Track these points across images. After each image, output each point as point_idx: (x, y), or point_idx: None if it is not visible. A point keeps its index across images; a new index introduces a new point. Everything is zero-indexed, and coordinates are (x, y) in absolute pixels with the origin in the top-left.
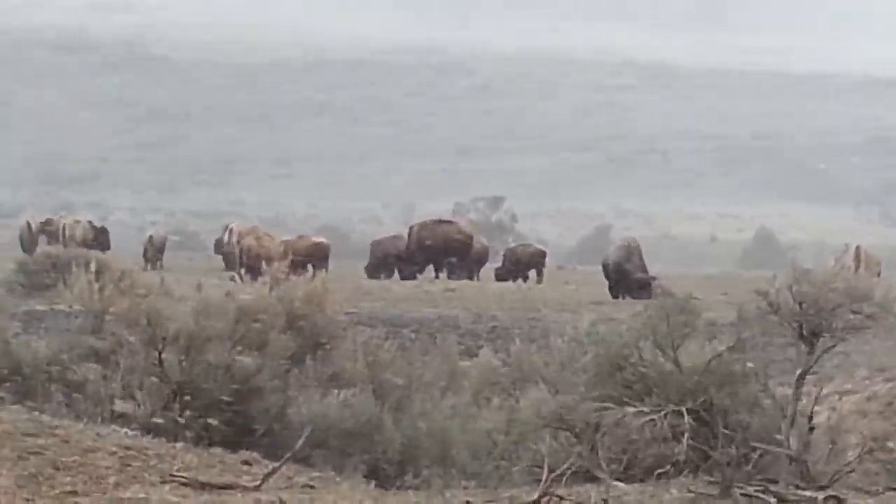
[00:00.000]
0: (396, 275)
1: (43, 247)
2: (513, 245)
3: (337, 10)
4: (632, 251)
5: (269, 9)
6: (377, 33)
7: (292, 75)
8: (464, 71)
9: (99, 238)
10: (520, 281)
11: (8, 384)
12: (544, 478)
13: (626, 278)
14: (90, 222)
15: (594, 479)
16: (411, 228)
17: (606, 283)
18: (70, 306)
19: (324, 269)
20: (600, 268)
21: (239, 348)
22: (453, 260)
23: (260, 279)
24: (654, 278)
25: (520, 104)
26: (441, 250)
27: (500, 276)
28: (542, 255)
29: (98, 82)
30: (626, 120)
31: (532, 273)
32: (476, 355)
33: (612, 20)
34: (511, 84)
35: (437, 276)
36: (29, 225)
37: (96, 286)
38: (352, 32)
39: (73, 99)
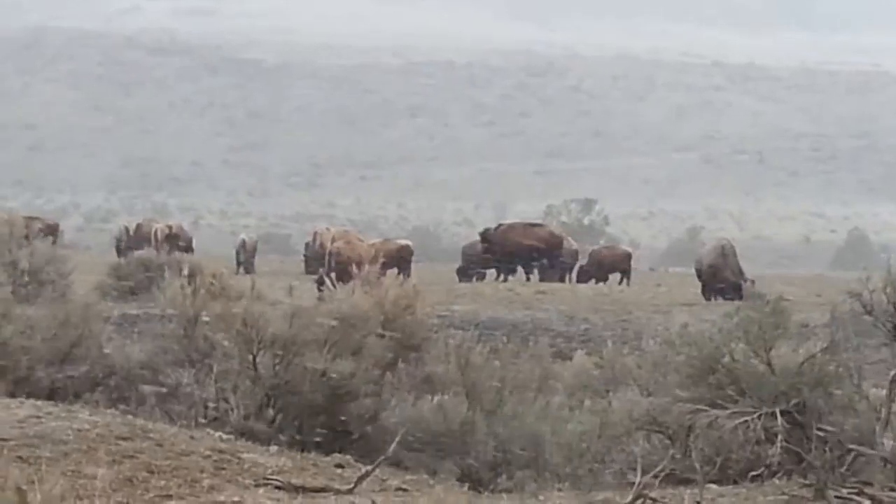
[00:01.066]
0: (488, 277)
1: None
2: (597, 247)
3: (428, 13)
4: (726, 252)
5: (360, 12)
6: (469, 35)
7: (384, 78)
8: (556, 73)
9: (184, 241)
10: (612, 283)
11: (102, 388)
12: (637, 480)
13: (720, 280)
14: (170, 226)
15: (688, 482)
16: (498, 226)
17: (698, 284)
18: (163, 310)
19: (407, 273)
20: (692, 269)
21: (333, 352)
22: (544, 262)
23: (350, 283)
24: (746, 280)
25: (612, 106)
26: (529, 252)
27: (583, 277)
28: (627, 257)
29: (191, 87)
30: (718, 121)
31: (616, 275)
32: (569, 358)
33: (701, 21)
34: (603, 86)
35: (528, 279)
36: (126, 229)
37: (189, 290)
38: (444, 35)
39: (166, 103)
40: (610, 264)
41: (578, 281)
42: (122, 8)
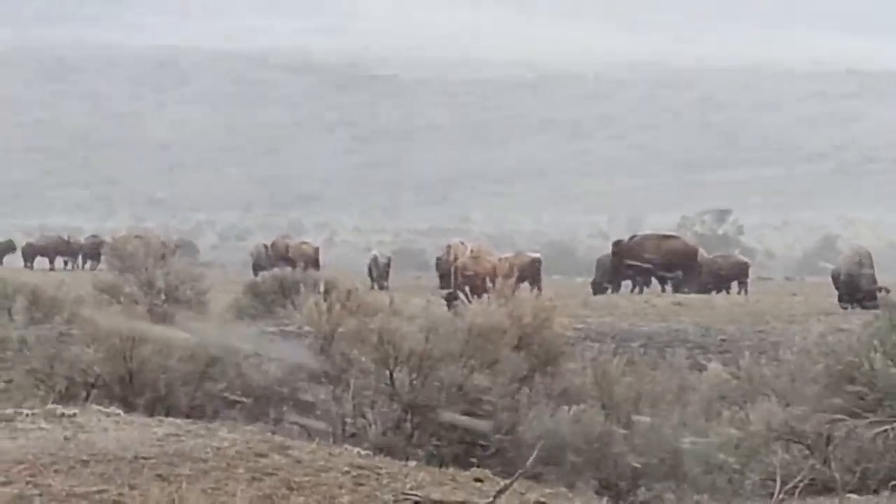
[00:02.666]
0: (624, 290)
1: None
2: (713, 256)
3: (558, 27)
4: (863, 261)
5: (490, 27)
6: (598, 49)
7: (515, 92)
8: (685, 83)
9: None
10: (747, 294)
11: (240, 405)
12: (777, 491)
13: (856, 289)
14: (305, 243)
15: (827, 492)
16: (631, 238)
17: (834, 293)
18: (299, 327)
19: (538, 286)
20: (827, 278)
21: (470, 366)
22: (679, 274)
23: (485, 297)
24: (881, 288)
25: (742, 116)
26: (665, 264)
27: (702, 288)
28: (745, 266)
29: (322, 104)
30: (852, 129)
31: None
32: (705, 369)
33: (834, 28)
34: (733, 96)
35: (662, 290)
36: (265, 247)
37: (324, 306)
38: (573, 48)
39: (297, 121)
40: (727, 274)
41: (697, 291)
42: (253, 27)
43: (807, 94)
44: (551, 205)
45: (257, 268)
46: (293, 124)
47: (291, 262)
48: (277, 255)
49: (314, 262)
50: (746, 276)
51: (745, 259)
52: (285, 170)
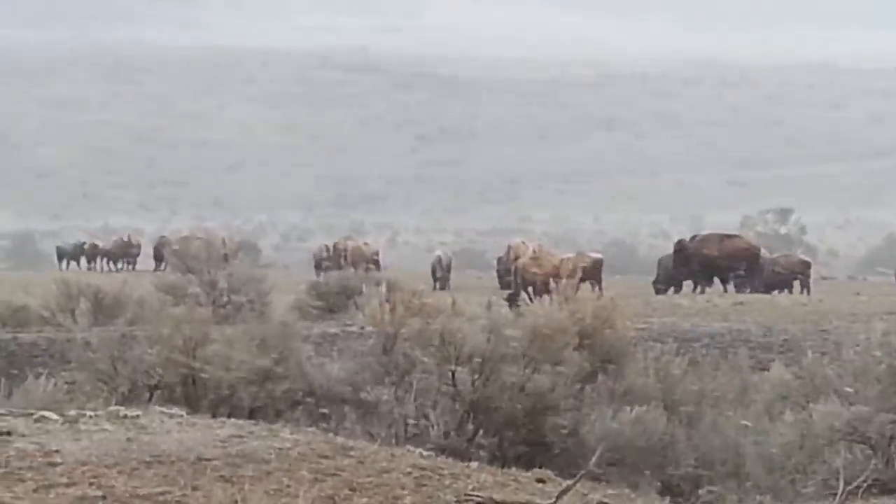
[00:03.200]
0: (685, 289)
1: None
2: (776, 255)
3: (620, 24)
4: None
5: (553, 25)
6: (661, 47)
7: (578, 91)
8: (749, 82)
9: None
10: (809, 293)
11: (302, 406)
12: (840, 491)
13: None
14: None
15: (891, 492)
16: (693, 238)
17: None
18: (362, 328)
19: (599, 286)
20: (891, 278)
21: (532, 366)
22: (741, 273)
23: (546, 297)
24: None
25: (807, 114)
26: (727, 263)
27: (764, 287)
28: (807, 265)
29: (385, 104)
30: None
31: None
32: (767, 369)
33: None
34: (797, 94)
35: (724, 290)
36: (327, 248)
37: (387, 307)
38: (636, 47)
39: (361, 121)
40: (789, 273)
41: (753, 291)
42: (316, 26)
43: (870, 92)
44: (613, 204)
45: (319, 269)
46: (356, 124)
47: (352, 264)
48: (338, 257)
49: (374, 263)
50: (808, 275)
51: (807, 258)
52: (348, 170)
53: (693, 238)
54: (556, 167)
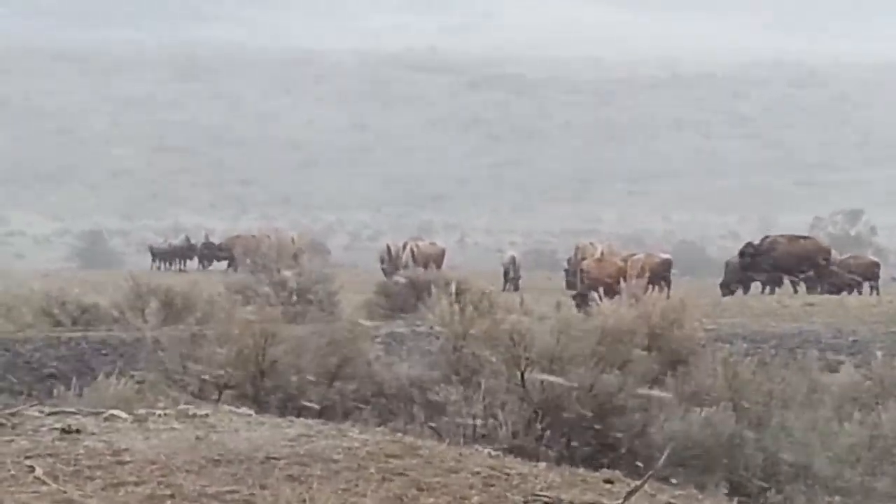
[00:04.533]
0: (754, 290)
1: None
2: (846, 256)
3: (691, 24)
4: None
5: (623, 25)
6: (732, 46)
7: (647, 91)
8: (819, 82)
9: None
10: (880, 294)
11: (371, 406)
12: None
13: None
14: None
15: None
16: (763, 239)
17: None
18: (431, 327)
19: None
20: None
21: (600, 367)
22: (810, 274)
23: (616, 297)
24: None
25: (878, 114)
26: (797, 265)
27: (833, 288)
28: (876, 266)
29: (454, 103)
30: None
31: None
32: (837, 370)
33: None
34: (869, 94)
35: (795, 291)
36: (389, 248)
37: (456, 307)
38: (707, 46)
39: (429, 120)
40: (861, 274)
41: (826, 292)
42: (387, 26)
43: None
44: (683, 205)
45: (385, 270)
46: (425, 124)
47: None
48: (395, 258)
49: (438, 263)
50: (877, 276)
51: (876, 259)
52: (417, 169)
53: (764, 239)
54: (625, 167)
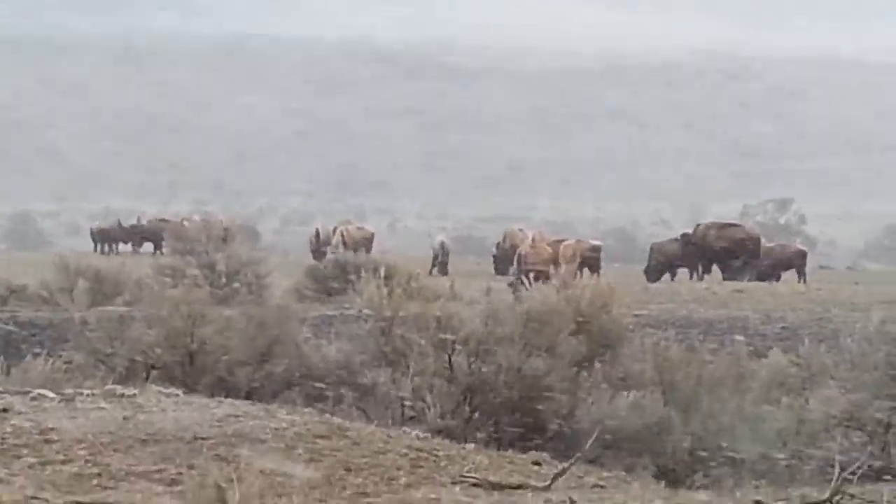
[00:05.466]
0: (681, 276)
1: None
2: (772, 245)
3: (627, 15)
4: None
5: (559, 15)
6: (668, 37)
7: (584, 82)
8: (754, 74)
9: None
10: (811, 282)
11: (299, 388)
12: (835, 477)
13: None
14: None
15: (887, 478)
16: (696, 227)
17: None
18: (360, 311)
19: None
20: (889, 268)
21: (528, 350)
22: (737, 261)
23: (544, 283)
24: None
25: (813, 107)
26: (727, 252)
27: (760, 276)
28: (801, 254)
29: (390, 91)
30: None
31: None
32: (765, 356)
33: None
34: (804, 86)
35: (724, 278)
36: (318, 232)
37: (385, 291)
38: (643, 37)
39: (365, 108)
40: (786, 262)
41: (756, 279)
42: (323, 14)
43: (874, 86)
44: (617, 193)
45: (315, 253)
46: (361, 111)
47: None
48: (326, 240)
49: (368, 248)
50: (804, 264)
51: (803, 247)
52: (353, 157)
53: (697, 228)
54: (561, 157)
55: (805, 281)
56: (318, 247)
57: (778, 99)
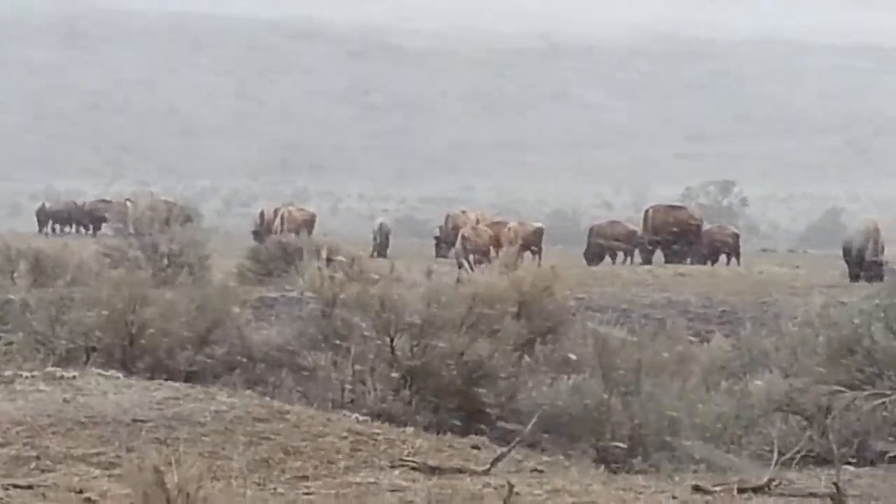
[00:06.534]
0: (622, 260)
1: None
2: (709, 227)
3: None
4: (870, 234)
5: None
6: (611, 19)
7: (527, 63)
8: (701, 55)
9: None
10: (750, 265)
11: (239, 370)
12: (774, 461)
13: (865, 261)
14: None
15: (824, 463)
16: (646, 213)
17: (837, 266)
18: (301, 293)
19: (539, 255)
20: (831, 251)
21: (471, 334)
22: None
23: (486, 265)
24: (883, 261)
25: (756, 89)
26: (675, 235)
27: (698, 258)
28: (735, 237)
29: (334, 72)
30: (866, 103)
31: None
32: (707, 340)
33: (849, 2)
34: (749, 69)
35: (666, 261)
36: (262, 214)
37: (327, 273)
38: (586, 19)
39: (309, 89)
40: (719, 244)
41: (695, 262)
42: None
43: (822, 69)
44: (559, 175)
45: (255, 235)
46: (305, 92)
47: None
48: (268, 222)
49: (309, 229)
50: (737, 246)
51: (736, 230)
52: (294, 137)
53: (646, 211)
54: (504, 138)
55: (738, 263)
56: (263, 229)
57: (723, 80)
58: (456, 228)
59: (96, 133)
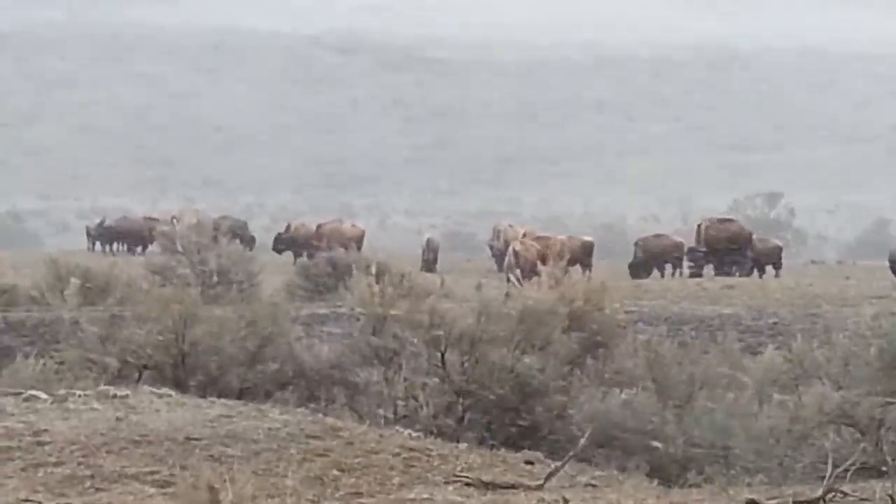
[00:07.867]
0: (672, 271)
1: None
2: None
3: (613, 6)
4: None
5: (544, 7)
6: (653, 30)
7: (569, 73)
8: (740, 65)
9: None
10: (800, 277)
11: (292, 387)
12: (828, 474)
13: None
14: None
15: (879, 475)
16: (699, 226)
17: (886, 277)
18: (351, 309)
19: (589, 268)
20: (880, 262)
21: (521, 348)
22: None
23: (536, 280)
24: None
25: (798, 98)
26: (728, 249)
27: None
28: (779, 250)
29: (375, 85)
30: None
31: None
32: (757, 352)
33: (890, 10)
34: (789, 77)
35: (716, 275)
36: (288, 227)
37: (377, 289)
38: (629, 28)
39: (351, 102)
40: (763, 257)
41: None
42: (307, 7)
43: (862, 76)
44: (604, 187)
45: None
46: (347, 106)
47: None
48: (292, 239)
49: (359, 245)
50: (780, 259)
51: (778, 242)
52: (339, 151)
53: (698, 227)
54: (547, 150)
55: (776, 275)
56: (286, 237)
57: (764, 90)
58: (506, 243)
59: (140, 148)
